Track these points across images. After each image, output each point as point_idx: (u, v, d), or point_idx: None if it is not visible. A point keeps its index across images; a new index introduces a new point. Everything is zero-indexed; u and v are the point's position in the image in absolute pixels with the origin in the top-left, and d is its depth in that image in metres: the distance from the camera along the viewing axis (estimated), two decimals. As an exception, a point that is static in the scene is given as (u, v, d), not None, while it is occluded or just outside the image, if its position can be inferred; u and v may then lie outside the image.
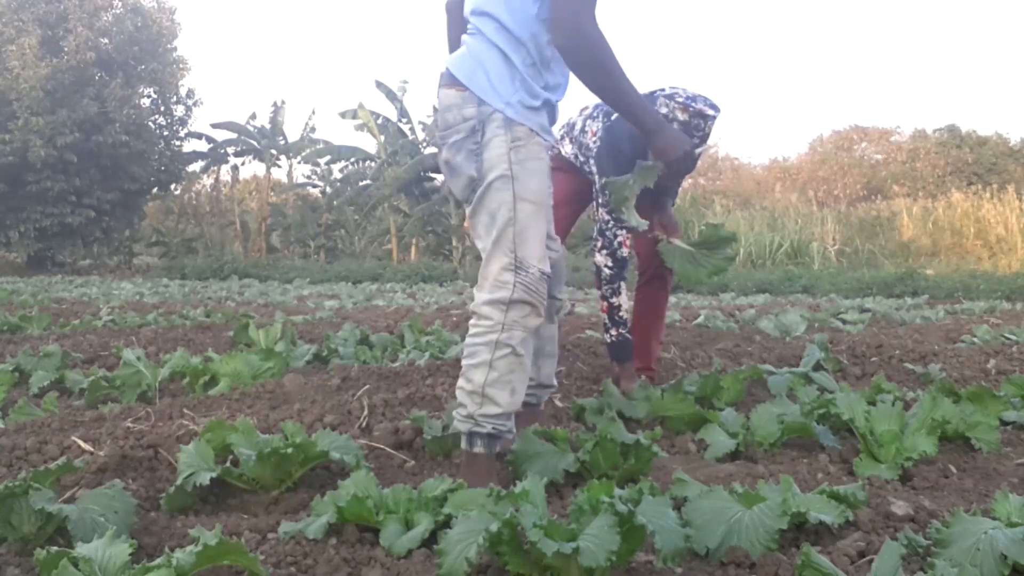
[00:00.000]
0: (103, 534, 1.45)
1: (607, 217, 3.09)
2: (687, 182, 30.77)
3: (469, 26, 2.22)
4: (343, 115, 22.70)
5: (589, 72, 2.12)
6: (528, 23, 2.12)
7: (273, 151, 24.97)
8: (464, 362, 2.12)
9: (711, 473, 2.15)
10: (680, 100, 2.82)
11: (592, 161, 3.15)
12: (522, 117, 2.14)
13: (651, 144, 2.28)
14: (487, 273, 2.12)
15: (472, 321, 2.13)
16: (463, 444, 2.13)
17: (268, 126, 24.79)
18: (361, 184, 23.68)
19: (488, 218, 2.11)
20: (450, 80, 2.16)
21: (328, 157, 24.02)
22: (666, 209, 3.11)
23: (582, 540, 1.42)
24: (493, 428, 2.09)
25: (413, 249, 23.13)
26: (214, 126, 24.89)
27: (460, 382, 2.13)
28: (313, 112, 42.44)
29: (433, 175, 21.16)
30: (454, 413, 2.16)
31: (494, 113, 2.11)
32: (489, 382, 2.07)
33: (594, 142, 3.13)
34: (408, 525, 1.75)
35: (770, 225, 19.74)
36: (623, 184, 2.43)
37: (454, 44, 2.40)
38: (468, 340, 2.13)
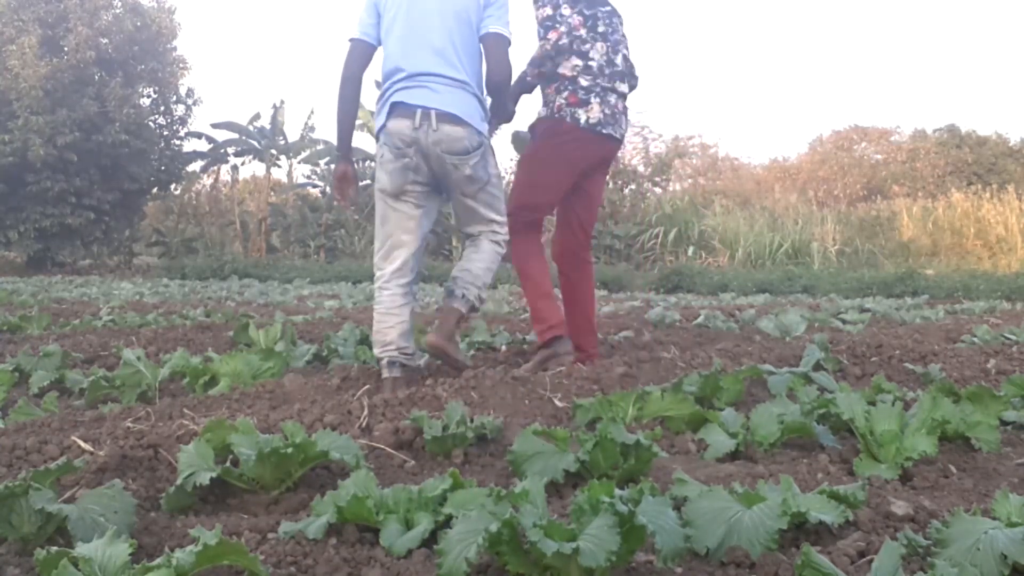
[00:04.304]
0: (103, 534, 1.44)
1: None
2: (688, 182, 30.88)
3: (439, 78, 3.40)
4: (343, 116, 22.65)
5: (503, 95, 3.71)
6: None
7: (273, 151, 24.96)
8: (489, 267, 3.60)
9: (711, 473, 2.15)
10: None
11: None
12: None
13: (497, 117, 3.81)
14: (500, 217, 3.65)
15: (498, 242, 3.64)
16: (466, 309, 3.53)
17: (268, 126, 24.77)
18: (361, 184, 23.69)
19: (491, 197, 3.61)
20: (452, 119, 3.39)
21: (328, 157, 24.00)
22: (507, 109, 3.89)
23: (582, 540, 1.41)
24: None
25: (413, 249, 23.09)
26: (214, 126, 24.85)
27: (487, 278, 3.58)
28: (313, 112, 42.32)
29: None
30: (475, 292, 3.54)
31: (484, 140, 3.52)
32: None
33: None
34: (408, 525, 1.75)
35: (770, 225, 19.71)
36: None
37: (354, 108, 3.71)
38: (492, 255, 3.61)
